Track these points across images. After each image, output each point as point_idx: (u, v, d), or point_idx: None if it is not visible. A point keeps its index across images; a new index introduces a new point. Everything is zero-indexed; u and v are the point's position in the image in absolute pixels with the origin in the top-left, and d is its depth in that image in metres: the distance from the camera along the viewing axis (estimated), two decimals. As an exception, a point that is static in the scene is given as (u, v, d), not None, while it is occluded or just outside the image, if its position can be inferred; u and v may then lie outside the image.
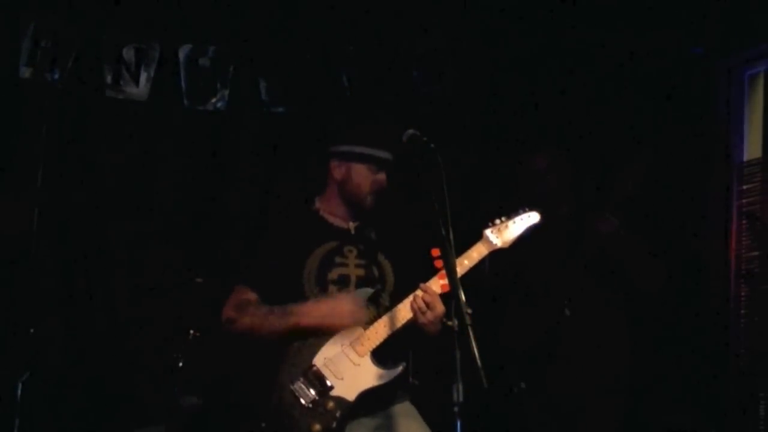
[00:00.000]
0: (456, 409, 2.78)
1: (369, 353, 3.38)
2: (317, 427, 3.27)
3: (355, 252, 3.58)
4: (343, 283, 3.50)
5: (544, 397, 4.36)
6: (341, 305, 3.38)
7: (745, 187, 4.91)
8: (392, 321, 3.39)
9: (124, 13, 5.10)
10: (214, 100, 5.25)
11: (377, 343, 3.39)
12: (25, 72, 4.94)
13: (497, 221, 3.54)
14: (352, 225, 3.66)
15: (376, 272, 3.57)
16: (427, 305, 3.34)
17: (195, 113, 5.23)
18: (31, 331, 4.57)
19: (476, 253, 3.49)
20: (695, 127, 4.98)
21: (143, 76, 5.13)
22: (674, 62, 5.02)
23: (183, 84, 5.20)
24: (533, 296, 4.46)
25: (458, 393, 2.77)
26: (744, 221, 4.85)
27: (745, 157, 4.98)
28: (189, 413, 4.61)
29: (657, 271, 4.40)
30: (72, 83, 5.02)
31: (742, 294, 4.83)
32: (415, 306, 3.35)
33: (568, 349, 4.31)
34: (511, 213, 3.58)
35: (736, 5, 4.78)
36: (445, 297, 3.39)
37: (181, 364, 4.66)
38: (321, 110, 5.31)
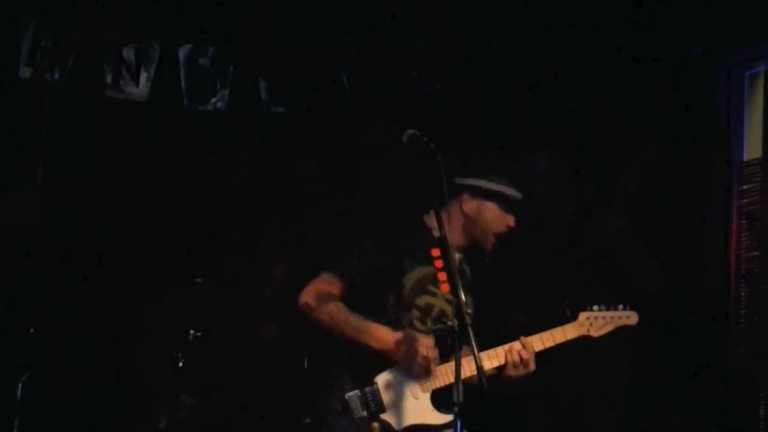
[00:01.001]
0: (456, 409, 2.78)
1: (430, 391, 3.34)
2: None
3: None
4: (425, 311, 3.43)
5: (544, 397, 4.35)
6: (417, 346, 3.27)
7: (745, 187, 4.91)
8: (467, 367, 3.21)
9: (124, 13, 5.10)
10: (214, 100, 5.25)
11: (443, 384, 3.34)
12: (25, 72, 4.94)
13: (595, 308, 3.51)
14: (457, 257, 3.56)
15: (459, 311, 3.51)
16: (522, 361, 3.32)
17: (195, 113, 5.23)
18: (31, 331, 4.57)
19: (568, 333, 3.47)
20: (695, 127, 4.98)
21: (143, 76, 5.13)
22: (674, 62, 5.02)
23: (183, 84, 5.20)
24: (533, 296, 4.46)
25: (458, 393, 2.77)
26: (744, 221, 4.84)
27: (745, 157, 4.98)
28: (188, 412, 4.62)
29: (656, 271, 4.40)
30: (72, 83, 5.02)
31: (742, 294, 4.83)
32: (510, 358, 3.31)
33: (568, 349, 4.31)
34: (611, 306, 3.55)
35: (736, 5, 4.78)
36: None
37: (181, 364, 4.66)
38: (321, 110, 5.31)
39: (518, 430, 4.47)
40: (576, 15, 5.18)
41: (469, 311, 3.42)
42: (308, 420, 3.29)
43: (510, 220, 3.55)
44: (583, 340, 4.27)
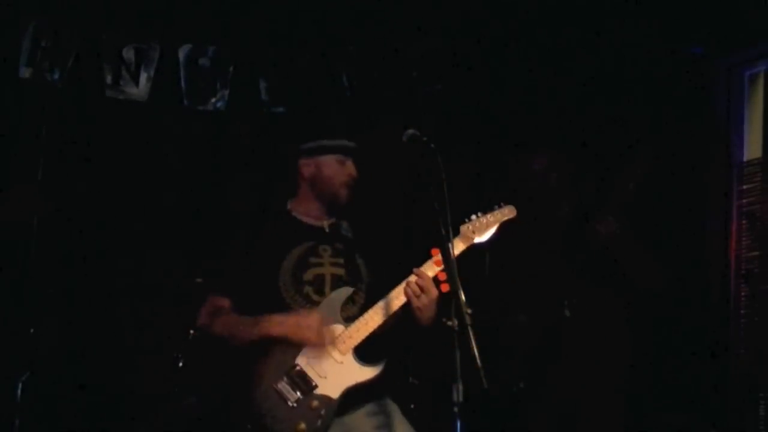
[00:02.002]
0: (456, 409, 2.78)
1: (351, 351, 3.38)
2: (302, 426, 3.27)
3: (330, 251, 3.57)
4: (318, 283, 3.49)
5: (544, 397, 4.36)
6: (307, 321, 3.35)
7: (745, 187, 4.91)
8: (376, 315, 3.39)
9: (124, 13, 5.10)
10: (214, 100, 5.25)
11: (359, 340, 3.38)
12: (25, 72, 4.94)
13: (473, 217, 3.52)
14: (326, 223, 3.65)
15: (352, 271, 3.56)
16: (421, 289, 3.34)
17: (195, 113, 5.23)
18: (31, 331, 4.57)
19: (455, 249, 3.42)
20: (695, 127, 4.98)
21: (143, 76, 5.13)
22: (674, 62, 5.02)
23: (183, 84, 5.20)
24: (533, 296, 4.46)
25: (458, 393, 2.77)
26: (744, 221, 4.85)
27: (745, 157, 4.98)
28: (187, 413, 4.61)
29: (656, 271, 4.41)
30: (72, 83, 5.02)
31: (742, 294, 4.84)
32: (409, 291, 3.35)
33: (568, 349, 4.31)
34: (486, 208, 3.56)
35: (736, 5, 4.78)
36: (445, 297, 3.38)
37: (181, 364, 4.66)
38: (321, 110, 5.31)
39: (518, 430, 4.47)
40: (576, 15, 5.19)
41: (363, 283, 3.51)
42: (249, 426, 3.30)
43: (350, 168, 3.61)
44: (583, 341, 4.29)
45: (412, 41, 5.43)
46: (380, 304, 3.41)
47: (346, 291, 3.46)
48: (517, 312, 4.52)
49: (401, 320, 3.43)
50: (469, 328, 2.81)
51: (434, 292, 3.35)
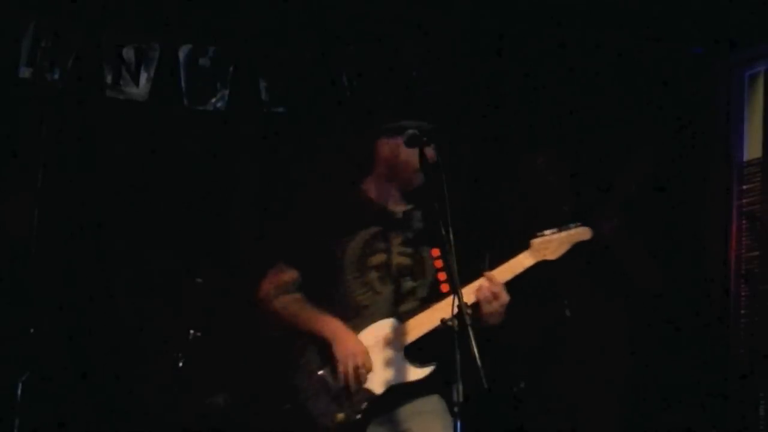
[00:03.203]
0: (456, 409, 2.78)
1: (403, 348, 3.31)
2: (341, 416, 3.22)
3: (400, 239, 3.47)
4: (383, 270, 3.40)
5: (544, 397, 4.36)
6: (354, 345, 3.26)
7: (745, 187, 4.92)
8: (435, 315, 3.25)
9: (124, 13, 5.10)
10: (214, 100, 5.25)
11: (413, 338, 3.31)
12: (25, 72, 4.94)
13: (547, 232, 3.43)
14: (400, 209, 3.53)
15: (417, 263, 3.46)
16: (494, 295, 3.27)
17: (195, 113, 5.23)
18: (31, 331, 4.57)
19: (523, 261, 3.40)
20: (695, 127, 4.98)
21: (143, 76, 5.13)
22: (674, 62, 5.02)
23: (183, 84, 5.20)
24: (533, 296, 4.46)
25: (458, 393, 2.77)
26: (744, 221, 4.85)
27: (745, 157, 4.98)
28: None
29: (656, 271, 4.41)
30: (72, 83, 5.02)
31: (742, 294, 4.84)
32: (481, 296, 3.26)
33: (568, 349, 4.31)
34: (561, 225, 3.47)
35: (736, 5, 4.78)
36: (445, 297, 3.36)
37: (181, 364, 4.66)
38: (321, 110, 5.31)
39: (518, 430, 4.47)
40: (576, 15, 5.19)
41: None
42: (288, 406, 3.26)
43: (429, 152, 3.40)
44: (583, 341, 4.29)
45: (412, 41, 5.43)
46: (441, 304, 3.32)
47: (388, 325, 3.35)
48: (517, 312, 4.51)
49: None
50: (469, 328, 2.81)
51: (506, 298, 3.29)
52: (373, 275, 3.40)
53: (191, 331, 4.73)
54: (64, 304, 4.95)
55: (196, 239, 5.16)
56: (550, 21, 5.26)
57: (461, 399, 2.77)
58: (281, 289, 3.42)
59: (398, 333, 3.32)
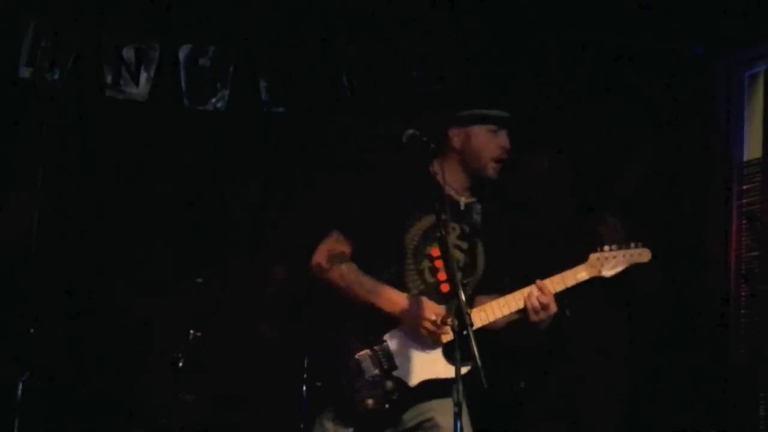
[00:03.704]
0: (456, 409, 2.78)
1: (442, 345, 3.27)
2: (370, 402, 3.19)
3: (458, 231, 3.41)
4: (437, 260, 3.33)
5: (544, 397, 4.35)
6: (425, 314, 3.21)
7: (745, 187, 4.91)
8: (480, 316, 3.27)
9: (124, 13, 5.10)
10: (214, 100, 5.25)
11: (453, 336, 3.17)
12: (25, 72, 4.94)
13: (606, 248, 3.41)
14: (464, 200, 3.47)
15: (470, 258, 3.42)
16: (542, 305, 3.27)
17: (195, 113, 5.23)
18: (31, 331, 4.57)
19: (579, 274, 3.38)
20: (695, 127, 4.98)
21: (143, 76, 5.13)
22: (674, 62, 5.02)
23: (183, 84, 5.20)
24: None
25: (458, 393, 2.77)
26: (744, 221, 4.85)
27: (745, 157, 4.98)
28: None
29: (654, 272, 4.40)
30: (72, 83, 5.02)
31: (742, 294, 4.83)
32: (529, 304, 3.26)
33: (568, 349, 4.31)
34: (622, 244, 3.45)
35: (736, 5, 4.78)
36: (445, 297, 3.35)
37: (181, 364, 4.66)
38: (321, 110, 5.31)
39: (518, 430, 4.47)
40: (576, 15, 5.18)
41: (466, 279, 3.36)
42: (319, 383, 3.23)
43: (502, 140, 3.43)
44: (583, 341, 4.29)
45: (412, 41, 5.43)
46: (488, 305, 3.32)
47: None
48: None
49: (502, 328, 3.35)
50: (469, 328, 2.80)
51: (554, 309, 3.28)
52: (426, 264, 3.36)
53: (191, 331, 4.73)
54: (64, 304, 4.95)
55: (196, 239, 5.16)
56: (550, 21, 5.26)
57: (461, 399, 2.76)
58: (336, 258, 3.35)
59: (443, 328, 3.25)
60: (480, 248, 3.46)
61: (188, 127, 5.29)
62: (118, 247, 5.11)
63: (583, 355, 4.29)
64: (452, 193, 3.44)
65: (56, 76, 4.97)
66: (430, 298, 3.29)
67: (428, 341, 3.28)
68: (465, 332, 2.79)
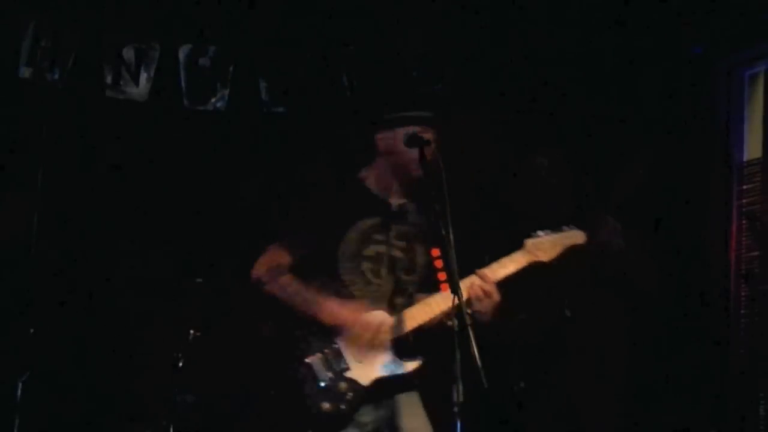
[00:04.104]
0: (456, 409, 2.78)
1: (391, 342, 3.33)
2: (326, 405, 3.24)
3: (395, 231, 3.49)
4: (377, 262, 3.42)
5: (544, 397, 4.36)
6: (369, 324, 3.29)
7: (745, 187, 4.91)
8: (424, 310, 3.33)
9: (124, 13, 5.10)
10: (214, 100, 5.25)
11: (402, 332, 3.33)
12: (25, 72, 4.94)
13: (540, 233, 3.46)
14: (395, 201, 3.54)
15: (410, 257, 3.48)
16: (485, 293, 3.29)
17: (195, 113, 5.23)
18: (31, 331, 4.57)
19: (516, 261, 3.42)
20: (695, 127, 4.98)
21: (143, 76, 5.13)
22: (674, 62, 5.02)
23: (183, 84, 5.20)
24: (533, 296, 4.46)
25: (458, 393, 2.77)
26: (744, 221, 4.85)
27: (745, 157, 4.98)
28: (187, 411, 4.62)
29: (652, 272, 4.41)
30: (72, 83, 5.02)
31: (742, 294, 4.83)
32: (472, 293, 3.28)
33: (568, 349, 4.32)
34: (555, 228, 3.49)
35: (736, 5, 4.78)
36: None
37: (181, 364, 4.66)
38: (321, 110, 5.31)
39: (518, 430, 4.47)
40: (576, 15, 5.19)
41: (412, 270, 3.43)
42: (272, 392, 3.28)
43: (428, 150, 3.41)
44: (583, 341, 4.29)
45: (412, 41, 5.43)
46: (431, 299, 3.35)
47: (384, 317, 3.35)
48: (517, 311, 4.52)
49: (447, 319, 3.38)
50: (469, 328, 2.81)
51: (497, 297, 3.31)
52: (367, 266, 3.42)
53: (191, 331, 4.73)
54: (64, 304, 4.95)
55: (196, 239, 5.16)
56: (550, 21, 5.26)
57: (461, 399, 2.77)
58: (275, 271, 3.42)
59: (387, 327, 3.33)
60: (419, 248, 3.51)
61: (188, 127, 5.29)
62: (118, 246, 5.11)
63: (583, 355, 4.28)
64: (382, 195, 3.52)
65: (56, 76, 4.97)
66: (374, 299, 3.37)
67: (377, 340, 3.32)
68: (465, 331, 2.80)
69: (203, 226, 5.19)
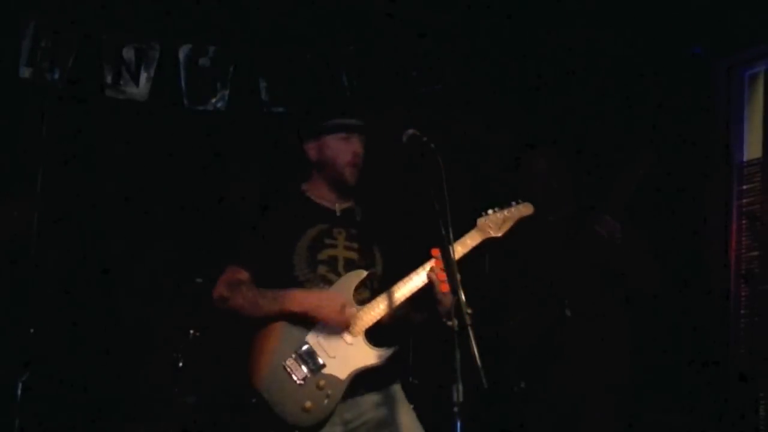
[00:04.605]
0: (456, 409, 2.78)
1: (363, 333, 3.39)
2: (308, 404, 3.28)
3: (344, 234, 3.57)
4: (331, 264, 3.49)
5: (545, 396, 4.36)
6: (330, 301, 3.38)
7: (745, 187, 4.91)
8: (390, 298, 3.41)
9: (124, 13, 5.11)
10: (214, 100, 5.25)
11: (371, 322, 3.40)
12: (25, 72, 4.95)
13: (490, 211, 3.57)
14: (338, 207, 3.64)
15: (365, 256, 3.57)
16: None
17: (195, 113, 5.23)
18: (31, 331, 4.57)
19: (470, 240, 3.51)
20: (695, 127, 4.98)
21: (143, 76, 5.14)
22: (674, 62, 5.02)
23: (183, 84, 5.20)
24: (534, 297, 4.46)
25: (458, 393, 2.77)
26: (744, 221, 4.85)
27: (745, 157, 4.98)
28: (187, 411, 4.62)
29: (653, 272, 4.40)
30: (72, 83, 5.02)
31: (742, 294, 4.83)
32: (433, 276, 3.36)
33: (568, 349, 4.31)
34: (503, 204, 3.61)
35: (736, 5, 4.78)
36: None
37: (181, 364, 4.67)
38: (321, 110, 5.31)
39: (518, 430, 4.47)
40: (576, 15, 5.19)
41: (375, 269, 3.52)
42: (254, 400, 3.31)
43: (354, 146, 3.57)
44: (583, 341, 4.29)
45: (412, 41, 5.43)
46: (395, 287, 3.42)
47: (358, 274, 3.46)
48: (517, 312, 4.52)
49: (413, 307, 3.47)
50: (469, 328, 2.81)
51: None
52: (323, 269, 3.49)
53: (191, 331, 4.73)
54: (64, 304, 4.95)
55: (196, 239, 5.16)
56: (550, 21, 5.26)
57: (461, 399, 2.77)
58: (235, 285, 3.48)
59: (356, 318, 3.40)
60: (374, 245, 3.61)
61: (188, 127, 5.29)
62: (118, 246, 5.11)
63: (583, 355, 4.28)
64: (324, 203, 3.63)
65: (56, 76, 4.98)
66: None
67: (348, 333, 3.39)
68: (464, 331, 2.80)
69: (203, 225, 5.20)
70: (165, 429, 4.60)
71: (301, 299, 3.38)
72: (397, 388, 3.52)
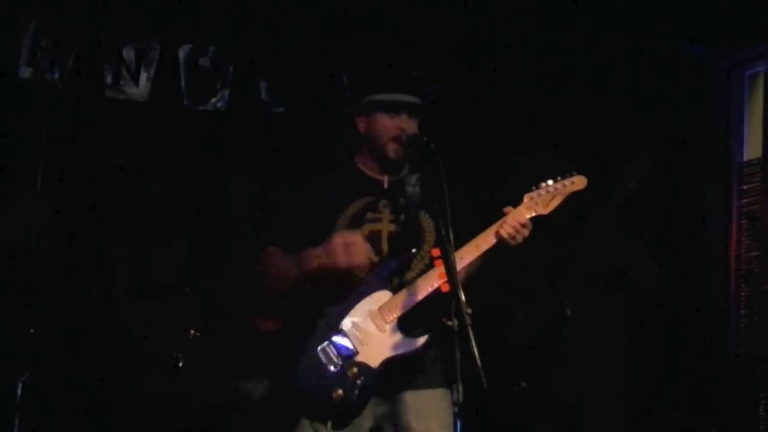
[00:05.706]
0: (456, 409, 2.78)
1: (396, 320, 3.31)
2: (339, 392, 3.23)
3: (390, 208, 3.49)
4: (374, 240, 3.39)
5: (545, 396, 4.36)
6: (333, 241, 3.27)
7: (745, 187, 4.92)
8: (428, 282, 3.30)
9: (124, 13, 5.11)
10: (214, 100, 5.25)
11: (405, 310, 3.31)
12: (25, 72, 4.94)
13: (542, 185, 3.43)
14: (386, 179, 3.55)
15: (412, 229, 3.46)
16: (522, 225, 3.32)
17: (195, 113, 5.23)
18: (31, 331, 4.57)
19: (518, 216, 3.37)
20: (695, 127, 4.98)
21: (143, 76, 5.13)
22: (674, 62, 5.02)
23: (183, 84, 5.20)
24: (534, 296, 4.46)
25: (458, 393, 2.77)
26: (744, 221, 4.85)
27: (745, 157, 4.98)
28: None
29: (655, 272, 4.41)
30: (72, 83, 5.02)
31: (742, 294, 4.84)
32: (504, 232, 3.30)
33: (568, 349, 4.32)
34: (557, 177, 3.43)
35: (736, 5, 4.78)
36: (445, 297, 3.36)
37: (181, 364, 4.67)
38: (321, 110, 5.31)
39: (518, 430, 4.47)
40: (576, 15, 5.19)
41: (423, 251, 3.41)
42: (284, 383, 3.29)
43: (401, 122, 3.48)
44: (583, 340, 4.29)
45: (412, 41, 5.42)
46: (431, 273, 3.31)
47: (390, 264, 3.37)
48: (517, 311, 4.52)
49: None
50: (469, 328, 2.80)
51: (530, 226, 3.33)
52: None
53: (191, 331, 4.73)
54: (64, 304, 4.95)
55: (196, 239, 5.16)
56: (551, 21, 5.26)
57: (461, 399, 2.76)
58: (269, 258, 3.44)
59: (391, 305, 3.32)
60: (423, 216, 3.51)
61: (188, 127, 5.29)
62: (118, 246, 5.11)
63: (583, 355, 4.28)
64: (374, 175, 3.56)
65: (56, 76, 4.97)
66: (379, 278, 3.36)
67: (381, 320, 3.31)
68: (465, 332, 2.80)
69: (203, 225, 5.20)
70: (165, 429, 4.60)
71: (316, 254, 3.28)
72: (439, 394, 3.39)
